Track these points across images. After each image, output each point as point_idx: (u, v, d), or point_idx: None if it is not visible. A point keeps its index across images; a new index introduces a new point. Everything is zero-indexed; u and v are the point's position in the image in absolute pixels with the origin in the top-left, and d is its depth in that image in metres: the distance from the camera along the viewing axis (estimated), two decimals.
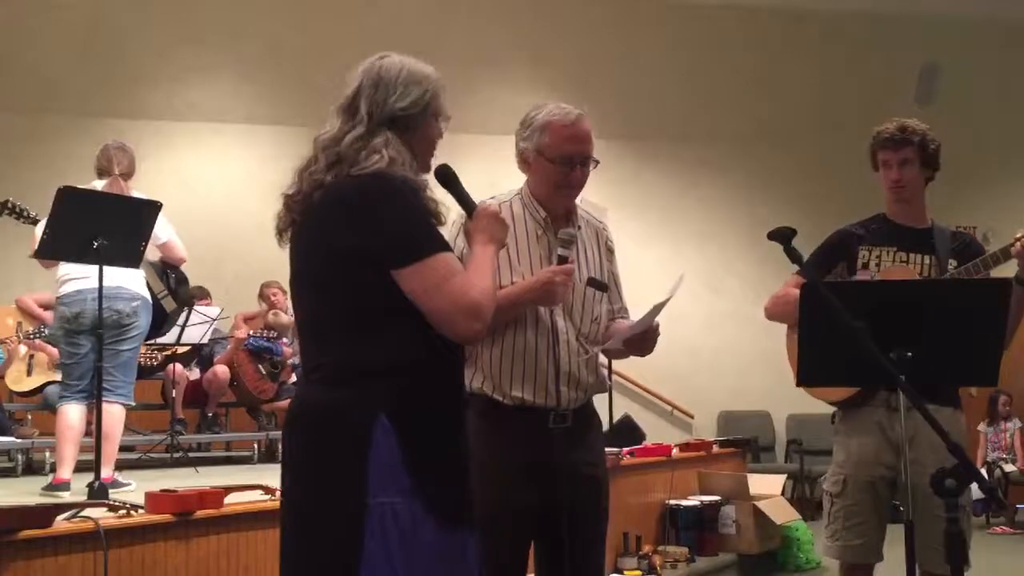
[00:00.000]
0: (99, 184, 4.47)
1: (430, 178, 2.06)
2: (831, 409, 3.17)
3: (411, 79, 1.98)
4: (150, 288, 4.50)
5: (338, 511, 1.78)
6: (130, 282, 4.35)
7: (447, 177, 2.11)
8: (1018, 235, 2.80)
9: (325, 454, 1.81)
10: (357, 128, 1.91)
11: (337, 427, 1.81)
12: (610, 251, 2.62)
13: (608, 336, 2.55)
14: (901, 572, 2.85)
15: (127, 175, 4.54)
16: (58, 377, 5.82)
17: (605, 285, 2.51)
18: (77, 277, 4.21)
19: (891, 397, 2.86)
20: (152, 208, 4.22)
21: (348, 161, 1.88)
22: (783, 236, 2.26)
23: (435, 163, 2.12)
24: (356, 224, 1.83)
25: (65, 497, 3.96)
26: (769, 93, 9.64)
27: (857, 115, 9.37)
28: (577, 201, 2.62)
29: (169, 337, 5.87)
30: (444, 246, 1.88)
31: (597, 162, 2.50)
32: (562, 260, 2.38)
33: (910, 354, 2.26)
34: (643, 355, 2.54)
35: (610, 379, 2.69)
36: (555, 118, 2.45)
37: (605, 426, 3.15)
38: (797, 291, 3.04)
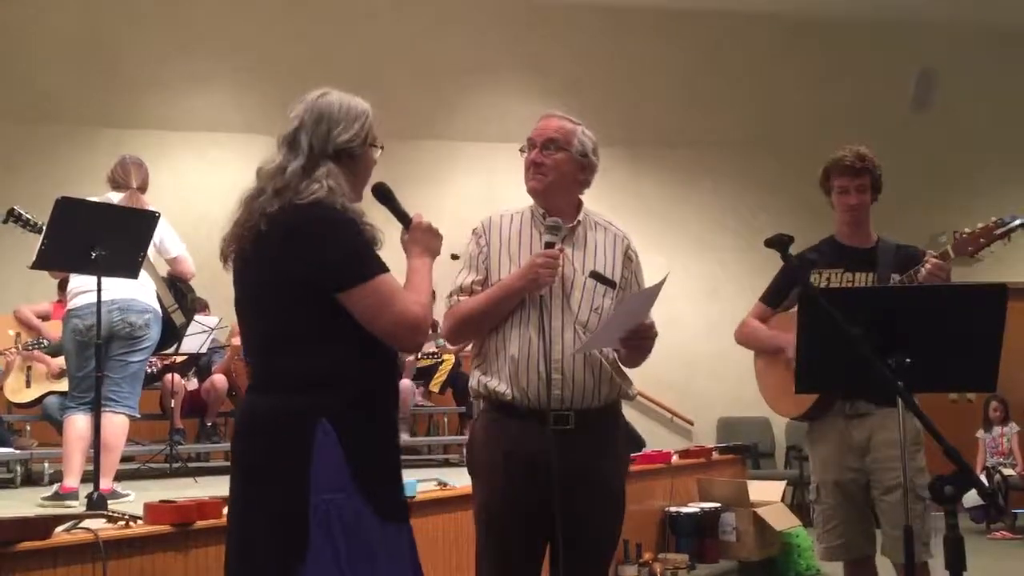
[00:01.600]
0: (115, 196, 4.50)
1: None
2: None
3: (351, 114, 2.11)
4: (160, 301, 4.52)
5: (283, 509, 1.91)
6: (143, 294, 4.37)
7: (384, 194, 2.23)
8: (926, 259, 3.01)
9: (270, 458, 1.96)
10: (299, 159, 2.06)
11: (281, 432, 1.95)
12: (629, 259, 2.67)
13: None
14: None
15: (143, 189, 4.58)
16: (57, 388, 5.82)
17: (611, 281, 2.57)
18: (90, 290, 4.19)
19: (846, 406, 3.09)
20: (150, 218, 4.23)
21: (291, 190, 2.02)
22: (780, 243, 2.30)
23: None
24: (302, 252, 1.98)
25: (74, 505, 3.96)
26: (766, 100, 9.66)
27: (854, 122, 9.41)
28: (589, 208, 2.70)
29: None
30: (383, 268, 2.01)
31: (583, 156, 2.60)
32: (549, 246, 2.49)
33: (909, 360, 2.27)
34: (642, 355, 2.58)
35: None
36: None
37: None
38: (757, 323, 3.37)
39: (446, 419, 8.01)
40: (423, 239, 2.18)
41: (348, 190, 2.07)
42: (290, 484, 1.90)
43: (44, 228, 4.09)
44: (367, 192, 2.21)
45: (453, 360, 7.43)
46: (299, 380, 1.98)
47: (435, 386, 7.53)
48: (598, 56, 9.47)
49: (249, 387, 2.11)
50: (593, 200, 2.73)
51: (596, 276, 2.55)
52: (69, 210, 3.92)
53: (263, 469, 1.96)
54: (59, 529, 2.64)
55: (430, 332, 7.23)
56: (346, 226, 2.01)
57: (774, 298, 3.35)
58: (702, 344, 9.22)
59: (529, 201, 2.68)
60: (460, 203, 8.74)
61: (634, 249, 2.71)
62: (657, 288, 2.47)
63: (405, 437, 7.25)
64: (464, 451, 6.87)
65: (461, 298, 2.58)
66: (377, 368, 2.05)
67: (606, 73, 9.43)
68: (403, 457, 7.62)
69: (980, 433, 8.47)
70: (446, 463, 7.09)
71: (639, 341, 2.51)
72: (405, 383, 7.13)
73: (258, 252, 2.04)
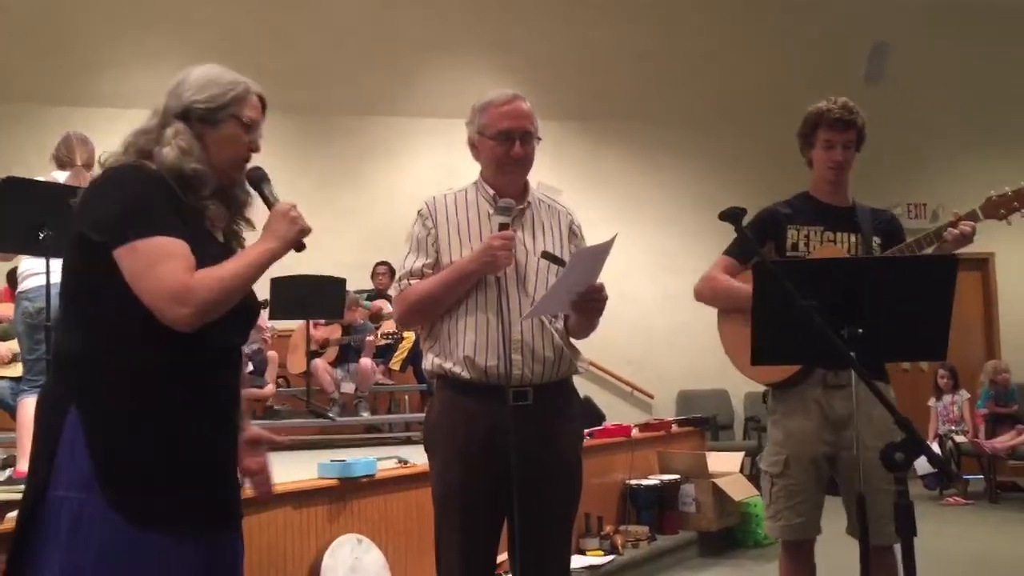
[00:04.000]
0: (60, 175, 4.39)
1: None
2: None
3: (211, 80, 2.03)
4: None
5: (26, 504, 1.80)
6: None
7: (255, 179, 2.09)
8: (952, 219, 2.89)
9: (33, 448, 1.84)
10: (152, 120, 1.98)
11: (38, 421, 1.84)
12: (574, 234, 2.67)
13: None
14: (839, 544, 2.92)
15: (89, 166, 4.48)
16: (7, 373, 5.71)
17: (562, 260, 2.55)
18: (39, 272, 4.11)
19: (827, 375, 2.92)
20: None
21: (140, 151, 1.92)
22: (734, 216, 2.31)
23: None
24: (84, 209, 1.85)
25: None
26: (726, 75, 9.69)
27: (813, 97, 9.43)
28: (534, 184, 2.68)
29: None
30: (167, 232, 1.81)
31: (539, 139, 2.59)
32: (503, 228, 2.47)
33: (861, 331, 2.29)
34: (592, 321, 2.55)
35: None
36: (493, 98, 2.57)
37: None
38: (726, 276, 3.11)
39: (407, 397, 8.00)
40: (274, 224, 1.97)
41: (202, 155, 1.93)
42: (35, 478, 1.79)
43: None
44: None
45: (414, 338, 7.42)
46: (61, 359, 1.87)
47: (395, 364, 7.52)
48: (558, 31, 9.42)
49: None
50: (552, 174, 2.73)
51: (548, 256, 2.54)
52: (15, 190, 3.83)
53: (32, 459, 1.84)
54: (11, 515, 2.61)
55: (392, 311, 7.18)
56: (137, 184, 1.85)
57: (745, 252, 3.03)
58: (662, 318, 9.30)
59: (476, 168, 2.64)
60: (418, 179, 8.65)
61: (578, 223, 2.70)
62: (605, 248, 2.40)
63: (366, 415, 7.24)
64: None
65: (412, 282, 2.53)
66: (153, 347, 1.80)
67: (566, 48, 9.40)
68: (365, 436, 7.48)
69: (932, 402, 8.65)
70: (408, 441, 7.08)
71: (590, 304, 2.47)
72: (365, 362, 7.10)
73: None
